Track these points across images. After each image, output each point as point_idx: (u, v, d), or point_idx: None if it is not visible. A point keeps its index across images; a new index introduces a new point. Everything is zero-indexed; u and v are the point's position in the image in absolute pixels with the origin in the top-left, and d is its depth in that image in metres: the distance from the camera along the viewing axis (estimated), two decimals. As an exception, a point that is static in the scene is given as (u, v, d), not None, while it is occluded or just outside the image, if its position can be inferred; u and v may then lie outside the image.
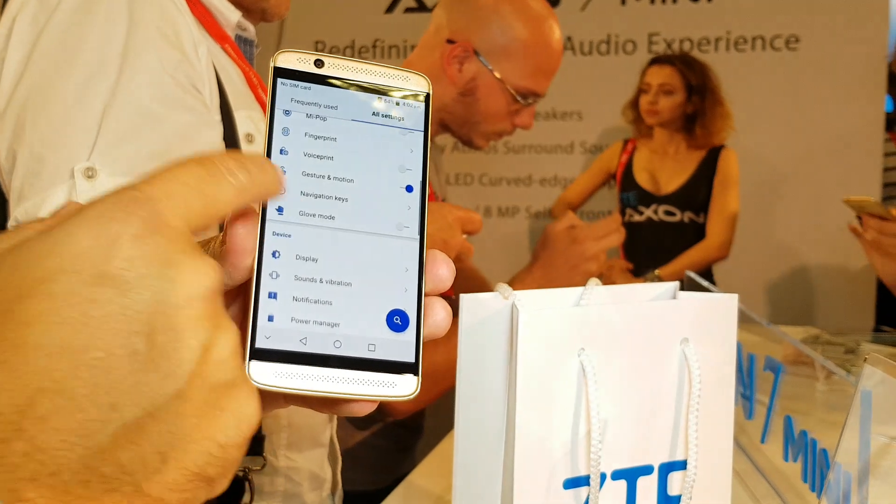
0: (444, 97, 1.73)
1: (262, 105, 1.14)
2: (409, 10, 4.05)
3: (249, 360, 0.43)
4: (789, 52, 3.76)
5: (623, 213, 3.43)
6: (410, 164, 0.49)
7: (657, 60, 3.33)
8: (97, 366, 0.32)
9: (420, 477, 1.20)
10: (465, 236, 1.32)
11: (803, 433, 0.97)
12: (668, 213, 3.33)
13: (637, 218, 3.39)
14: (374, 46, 4.07)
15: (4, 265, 0.33)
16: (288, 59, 0.48)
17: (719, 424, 0.77)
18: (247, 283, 0.45)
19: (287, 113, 0.47)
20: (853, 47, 3.63)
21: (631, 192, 3.40)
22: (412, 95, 0.50)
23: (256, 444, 1.11)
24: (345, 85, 0.49)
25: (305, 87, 0.48)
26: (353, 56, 4.07)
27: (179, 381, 0.34)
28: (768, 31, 3.77)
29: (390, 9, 4.06)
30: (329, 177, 0.47)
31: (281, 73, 0.47)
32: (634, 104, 3.36)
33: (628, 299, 0.78)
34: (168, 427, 0.33)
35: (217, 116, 1.03)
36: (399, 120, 0.49)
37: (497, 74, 1.70)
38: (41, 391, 0.31)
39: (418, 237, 0.48)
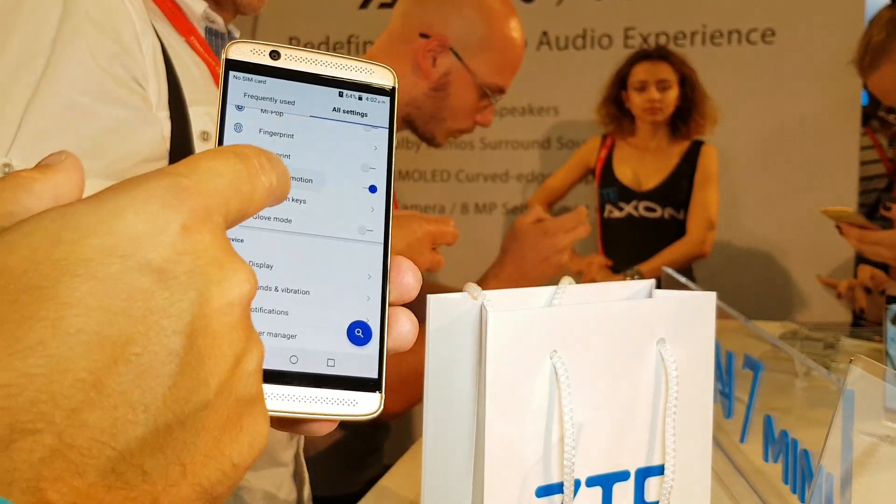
0: (414, 91, 1.69)
1: None
2: (383, 5, 4.01)
3: None
4: (765, 45, 3.75)
5: (602, 209, 3.41)
6: (374, 162, 0.46)
7: (647, 56, 3.27)
8: (134, 361, 0.30)
9: (391, 481, 1.17)
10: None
11: (784, 433, 0.95)
12: (649, 209, 3.30)
13: (616, 214, 3.37)
14: (349, 42, 4.03)
15: (45, 234, 0.30)
16: (241, 51, 0.44)
17: (697, 427, 0.74)
18: None
19: (240, 108, 0.44)
20: (829, 41, 3.63)
21: (611, 187, 3.37)
22: (376, 89, 0.46)
23: None
24: (303, 78, 0.45)
25: (260, 81, 0.44)
26: (327, 51, 4.03)
27: (210, 390, 0.32)
28: (744, 25, 3.76)
29: (364, 4, 4.02)
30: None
31: (233, 65, 0.44)
32: (613, 100, 3.32)
33: (602, 298, 0.75)
34: (193, 438, 0.31)
35: (163, 112, 0.98)
36: (362, 115, 0.46)
37: (473, 71, 1.67)
38: (77, 381, 0.29)
39: (382, 242, 0.45)
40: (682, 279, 1.51)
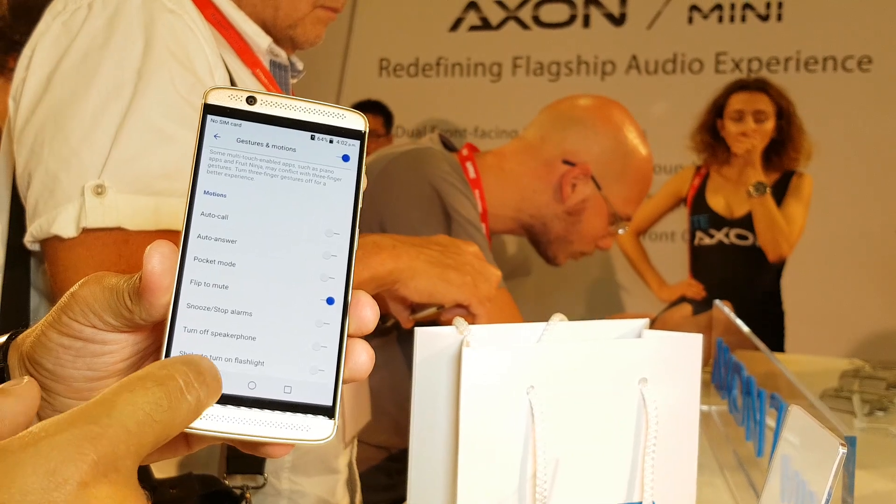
0: (546, 210, 1.75)
1: None
2: (473, 28, 4.06)
3: None
4: (861, 73, 3.66)
5: (692, 236, 3.38)
6: (340, 201, 0.48)
7: (745, 86, 3.22)
8: None
9: None
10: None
11: (796, 474, 0.94)
12: (740, 236, 3.27)
13: (707, 241, 3.34)
14: (438, 64, 4.10)
15: None
16: (219, 96, 0.47)
17: (681, 466, 0.75)
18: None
19: (214, 150, 0.47)
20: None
21: (702, 215, 3.34)
22: (347, 133, 0.49)
23: (256, 462, 1.11)
24: (277, 122, 0.48)
25: (236, 125, 0.47)
26: (416, 74, 4.10)
27: None
28: (840, 52, 3.68)
29: (455, 27, 4.08)
30: (255, 211, 0.46)
31: (211, 109, 0.47)
32: (709, 128, 3.27)
33: (591, 336, 0.77)
34: None
35: None
36: (334, 157, 0.48)
37: (609, 200, 1.73)
38: None
39: (345, 275, 0.47)
40: (732, 315, 1.50)
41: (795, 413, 0.64)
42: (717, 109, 3.24)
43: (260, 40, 1.16)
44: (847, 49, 3.67)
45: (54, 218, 0.94)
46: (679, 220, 3.54)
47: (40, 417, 0.49)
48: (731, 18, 3.81)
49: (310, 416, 0.44)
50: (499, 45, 4.01)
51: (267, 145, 0.48)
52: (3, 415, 0.39)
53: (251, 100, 0.48)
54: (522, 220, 1.78)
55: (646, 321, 0.79)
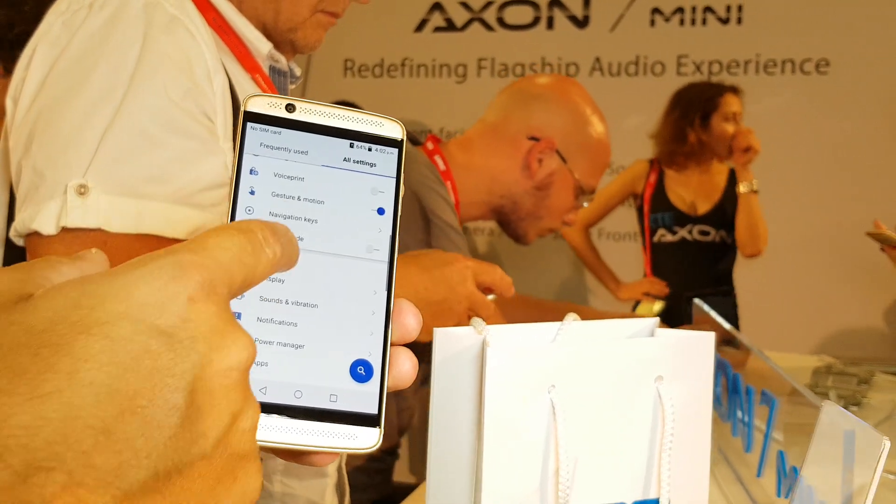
0: (516, 188, 1.81)
1: None
2: (438, 29, 4.07)
3: None
4: (819, 75, 3.73)
5: (653, 234, 3.42)
6: (380, 209, 0.48)
7: (735, 90, 3.27)
8: (140, 413, 0.33)
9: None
10: (491, 297, 1.30)
11: (794, 469, 0.96)
12: (703, 232, 3.32)
13: (669, 238, 3.38)
14: (403, 65, 4.10)
15: (66, 299, 0.34)
16: (258, 104, 0.47)
17: (695, 462, 0.77)
18: None
19: (256, 157, 0.47)
20: (884, 71, 3.60)
21: (665, 212, 3.38)
22: (385, 141, 0.49)
23: None
24: (316, 130, 0.48)
25: (276, 132, 0.47)
26: (382, 75, 4.10)
27: (208, 443, 0.35)
28: (798, 55, 3.74)
29: (419, 28, 4.09)
30: (295, 217, 0.46)
31: (251, 117, 0.47)
32: (679, 128, 3.27)
33: (605, 336, 0.78)
34: (190, 485, 0.35)
35: (228, 144, 1.04)
36: (371, 166, 0.49)
37: (574, 173, 1.79)
38: (87, 427, 0.32)
39: (386, 289, 0.47)
40: (713, 313, 1.53)
41: (829, 410, 0.65)
42: (699, 110, 3.23)
43: (261, 45, 1.16)
44: (805, 52, 3.74)
45: (36, 214, 0.94)
46: (633, 219, 3.57)
47: None
48: (693, 21, 3.86)
49: (356, 424, 0.45)
50: (464, 46, 4.02)
51: (306, 153, 0.48)
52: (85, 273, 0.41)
53: (290, 107, 0.48)
54: (493, 202, 1.82)
55: (656, 320, 0.80)
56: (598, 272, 3.53)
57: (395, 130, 0.50)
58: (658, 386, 0.73)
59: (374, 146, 0.49)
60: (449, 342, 0.72)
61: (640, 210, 3.49)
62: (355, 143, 0.49)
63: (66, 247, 0.94)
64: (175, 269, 0.36)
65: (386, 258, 0.48)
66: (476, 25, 4.02)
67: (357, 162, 0.49)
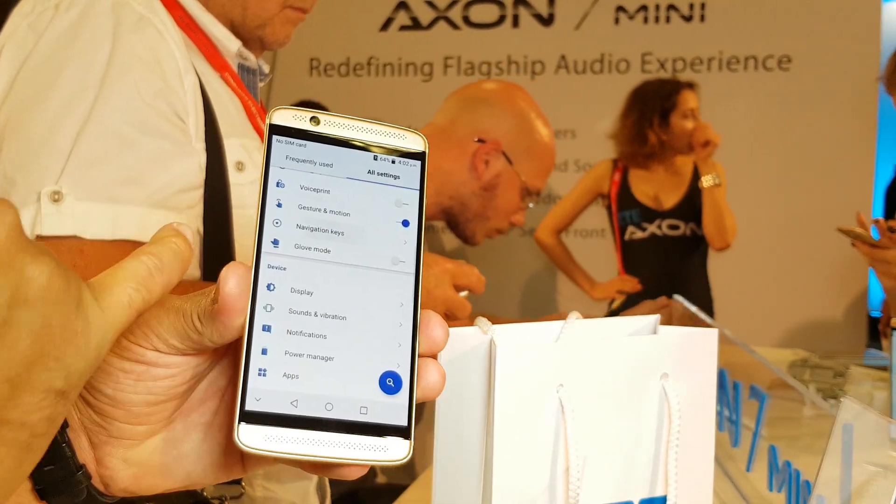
0: (463, 190, 1.84)
1: (260, 133, 1.14)
2: (404, 28, 4.06)
3: (239, 422, 0.42)
4: (781, 71, 3.77)
5: (623, 232, 3.43)
6: (405, 221, 0.48)
7: (691, 86, 3.27)
8: None
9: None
10: (464, 293, 1.30)
11: (787, 463, 0.97)
12: (672, 226, 3.33)
13: (639, 235, 3.39)
14: (369, 64, 4.08)
15: None
16: (283, 117, 0.48)
17: (699, 458, 0.77)
18: (237, 342, 0.44)
19: (282, 169, 0.47)
20: (845, 67, 3.65)
21: (632, 210, 3.39)
22: (408, 154, 0.50)
23: None
24: (340, 142, 0.48)
25: (301, 145, 0.47)
26: (348, 74, 4.08)
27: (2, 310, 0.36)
28: (761, 52, 3.78)
29: (385, 27, 4.08)
30: (322, 229, 0.47)
31: (276, 130, 0.47)
32: (639, 125, 3.28)
33: (608, 334, 0.78)
34: (4, 354, 0.36)
35: (200, 144, 1.03)
36: (395, 178, 0.49)
37: (520, 174, 1.83)
38: None
39: (412, 301, 0.47)
40: (694, 308, 1.54)
41: (847, 405, 0.66)
42: (657, 110, 3.24)
43: (229, 43, 1.15)
44: (767, 49, 3.78)
45: None
46: (603, 218, 3.59)
47: (93, 444, 0.48)
48: (657, 19, 3.89)
49: (386, 436, 0.44)
50: (430, 45, 4.01)
51: (331, 165, 0.48)
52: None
53: (315, 120, 0.48)
54: (443, 204, 1.85)
55: (657, 317, 0.80)
56: (572, 274, 3.54)
57: (417, 143, 0.50)
58: (664, 383, 0.74)
59: (397, 158, 0.49)
60: (456, 342, 0.71)
61: (608, 209, 3.51)
62: (379, 155, 0.49)
63: None
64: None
65: (412, 270, 0.48)
66: (442, 24, 4.02)
67: (381, 174, 0.49)
